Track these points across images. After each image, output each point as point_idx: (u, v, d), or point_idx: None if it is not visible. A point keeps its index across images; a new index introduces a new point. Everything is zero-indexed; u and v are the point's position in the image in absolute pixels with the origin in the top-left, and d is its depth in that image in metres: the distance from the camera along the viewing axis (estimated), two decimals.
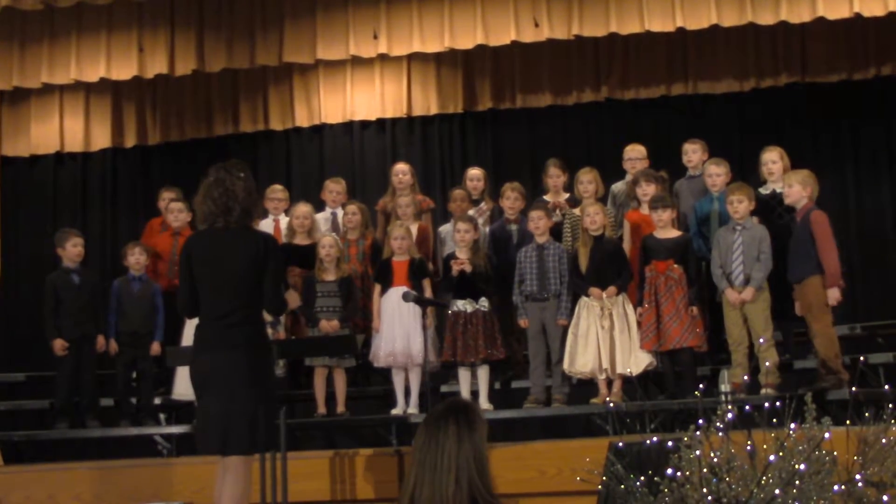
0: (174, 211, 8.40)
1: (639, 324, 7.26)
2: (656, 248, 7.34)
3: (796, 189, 7.10)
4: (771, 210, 7.52)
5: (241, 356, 5.06)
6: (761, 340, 6.91)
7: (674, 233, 7.42)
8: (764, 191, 7.69)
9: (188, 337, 7.41)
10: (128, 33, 9.30)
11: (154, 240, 8.54)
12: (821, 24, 8.84)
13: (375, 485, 6.45)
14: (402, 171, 8.50)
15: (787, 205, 7.27)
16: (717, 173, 7.65)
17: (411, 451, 3.15)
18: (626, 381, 7.20)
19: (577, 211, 7.88)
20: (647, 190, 7.69)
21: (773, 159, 7.60)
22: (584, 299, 7.39)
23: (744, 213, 7.21)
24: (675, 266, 7.26)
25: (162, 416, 8.15)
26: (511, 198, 7.99)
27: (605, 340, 7.25)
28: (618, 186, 8.24)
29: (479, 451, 3.10)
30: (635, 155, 8.16)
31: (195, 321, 7.21)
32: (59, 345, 7.77)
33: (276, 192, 8.55)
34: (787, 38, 9.58)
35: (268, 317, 7.19)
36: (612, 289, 7.28)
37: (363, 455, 6.71)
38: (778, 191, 7.45)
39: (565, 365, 7.34)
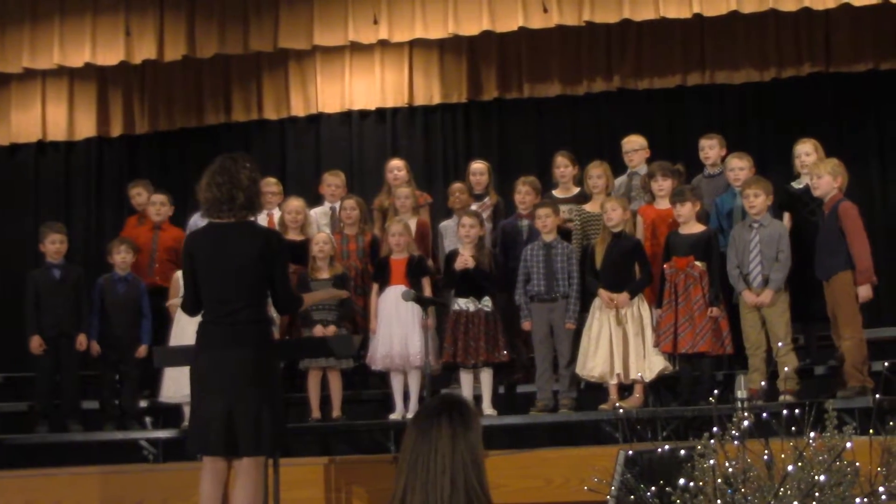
0: (157, 204, 8.29)
1: (658, 324, 7.06)
2: (678, 243, 7.13)
3: (826, 180, 6.88)
4: (804, 205, 7.30)
5: (248, 355, 5.02)
6: (780, 344, 6.73)
7: (697, 227, 7.20)
8: (797, 185, 7.47)
9: (175, 337, 7.20)
10: (114, 16, 9.33)
11: (132, 233, 8.38)
12: (846, 10, 8.74)
13: (372, 493, 6.36)
14: (396, 167, 8.41)
15: (817, 198, 7.06)
16: (739, 167, 7.46)
17: (400, 454, 2.97)
18: (646, 385, 7.13)
19: (588, 207, 7.73)
20: (664, 185, 7.51)
21: (806, 151, 7.37)
22: (598, 299, 7.21)
23: (760, 208, 6.98)
24: (697, 263, 7.03)
25: (148, 419, 8.03)
26: (521, 192, 7.87)
27: (618, 343, 7.07)
28: (618, 180, 8.07)
29: (475, 451, 2.93)
30: (632, 146, 8.04)
31: (183, 322, 6.91)
32: (36, 342, 7.66)
33: (270, 185, 8.37)
34: (811, 25, 9.42)
35: None
36: (624, 296, 7.07)
37: (360, 462, 6.71)
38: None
39: (578, 367, 7.18)
